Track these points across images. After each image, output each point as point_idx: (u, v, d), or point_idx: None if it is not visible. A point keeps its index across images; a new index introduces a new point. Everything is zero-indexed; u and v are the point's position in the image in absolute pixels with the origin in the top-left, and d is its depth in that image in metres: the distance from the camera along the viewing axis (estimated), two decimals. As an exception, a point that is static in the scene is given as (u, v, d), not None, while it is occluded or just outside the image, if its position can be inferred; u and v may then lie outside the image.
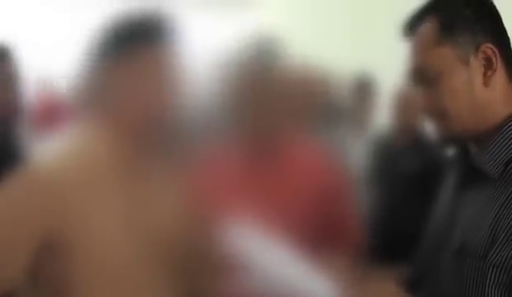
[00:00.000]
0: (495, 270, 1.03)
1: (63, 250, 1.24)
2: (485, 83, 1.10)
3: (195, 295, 1.45)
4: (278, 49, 1.61)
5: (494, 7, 1.15)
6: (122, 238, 1.30)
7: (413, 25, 1.15)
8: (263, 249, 1.28)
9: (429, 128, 1.21)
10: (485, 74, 1.10)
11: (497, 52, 1.10)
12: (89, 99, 1.38)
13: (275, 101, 1.61)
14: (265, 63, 1.59)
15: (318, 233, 1.58)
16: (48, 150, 1.33)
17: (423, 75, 1.13)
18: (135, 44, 1.31)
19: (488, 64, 1.10)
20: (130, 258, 1.30)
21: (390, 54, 2.37)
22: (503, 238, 1.03)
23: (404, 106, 3.10)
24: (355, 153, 3.10)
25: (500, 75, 1.11)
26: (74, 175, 1.28)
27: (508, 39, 1.15)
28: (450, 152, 1.33)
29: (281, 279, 1.24)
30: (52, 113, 4.06)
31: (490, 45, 1.10)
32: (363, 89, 3.56)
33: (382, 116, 3.38)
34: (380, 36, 3.79)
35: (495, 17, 1.14)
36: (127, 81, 1.32)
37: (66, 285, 1.26)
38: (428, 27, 1.12)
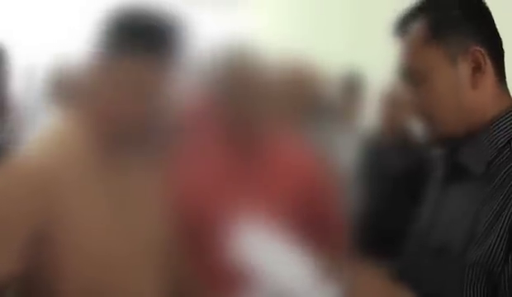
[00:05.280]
0: (472, 267, 1.02)
1: (51, 239, 1.28)
2: (474, 86, 1.10)
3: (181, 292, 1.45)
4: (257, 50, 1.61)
5: (485, 7, 1.14)
6: (106, 228, 1.32)
7: (403, 24, 1.14)
8: (273, 255, 1.22)
9: (417, 127, 1.21)
10: (473, 76, 1.09)
11: (486, 54, 1.09)
12: (71, 93, 1.40)
13: (261, 97, 1.60)
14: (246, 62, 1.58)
15: (302, 230, 1.58)
16: (31, 143, 1.36)
17: (412, 75, 1.13)
18: (123, 51, 1.31)
19: (477, 67, 1.09)
20: (114, 249, 1.33)
21: (379, 53, 2.37)
22: (480, 235, 1.02)
23: (392, 105, 3.11)
24: (342, 150, 3.10)
25: (489, 77, 1.10)
26: (59, 166, 1.31)
27: (499, 40, 1.15)
28: (438, 151, 1.32)
29: (292, 286, 1.18)
30: None
31: (478, 48, 1.09)
32: (352, 87, 3.56)
33: (371, 114, 3.38)
34: (370, 34, 3.79)
35: (486, 18, 1.13)
36: (112, 82, 1.32)
37: (55, 276, 1.29)
38: (417, 27, 1.11)
